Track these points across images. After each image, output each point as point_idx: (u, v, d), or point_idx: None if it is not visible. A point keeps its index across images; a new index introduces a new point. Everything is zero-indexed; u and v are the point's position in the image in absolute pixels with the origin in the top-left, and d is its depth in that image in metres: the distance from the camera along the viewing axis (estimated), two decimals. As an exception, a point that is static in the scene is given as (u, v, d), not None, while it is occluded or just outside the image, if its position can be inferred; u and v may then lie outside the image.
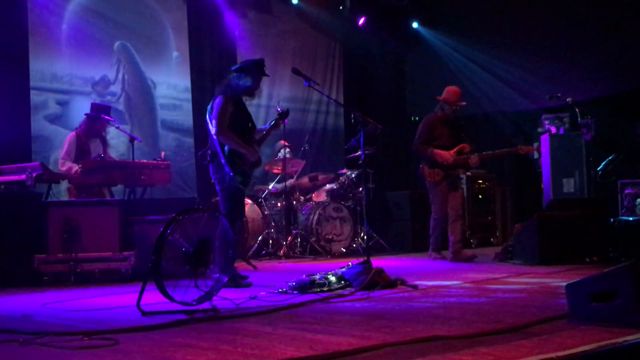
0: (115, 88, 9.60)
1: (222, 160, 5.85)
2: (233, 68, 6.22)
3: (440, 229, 8.20)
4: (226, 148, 5.85)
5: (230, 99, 5.95)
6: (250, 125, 6.14)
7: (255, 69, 6.09)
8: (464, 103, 8.31)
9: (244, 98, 6.18)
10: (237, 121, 5.96)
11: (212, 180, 6.15)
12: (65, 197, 7.85)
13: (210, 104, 6.05)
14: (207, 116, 6.02)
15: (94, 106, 7.98)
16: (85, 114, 7.84)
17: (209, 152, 6.01)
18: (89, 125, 7.78)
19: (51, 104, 8.91)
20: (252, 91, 6.15)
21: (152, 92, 10.07)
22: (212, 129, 5.88)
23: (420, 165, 8.23)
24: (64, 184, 7.87)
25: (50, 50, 8.96)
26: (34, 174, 6.85)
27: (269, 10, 11.68)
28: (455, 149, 8.07)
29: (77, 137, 7.71)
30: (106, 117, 7.77)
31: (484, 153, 8.21)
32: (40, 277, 6.38)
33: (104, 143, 7.94)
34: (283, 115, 6.60)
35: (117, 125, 7.88)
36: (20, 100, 8.55)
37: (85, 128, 7.80)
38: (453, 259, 7.98)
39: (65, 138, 7.87)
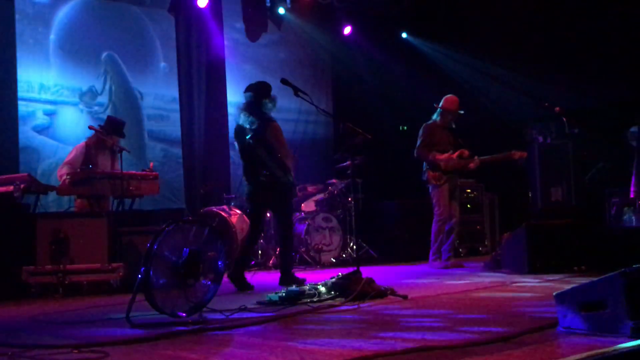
0: (103, 99, 9.58)
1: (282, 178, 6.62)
2: (259, 95, 6.74)
3: (443, 233, 8.24)
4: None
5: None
6: None
7: (270, 91, 6.80)
8: (463, 111, 8.49)
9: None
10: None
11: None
12: (54, 208, 7.81)
13: (257, 126, 6.58)
14: (250, 136, 6.57)
15: (108, 120, 7.97)
16: (96, 130, 7.76)
17: (265, 172, 6.63)
18: (99, 138, 7.72)
19: (39, 115, 8.88)
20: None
21: (139, 103, 10.05)
22: (279, 151, 6.62)
23: (424, 170, 8.32)
24: (53, 195, 7.82)
25: (38, 60, 8.94)
26: (22, 186, 6.81)
27: (257, 21, 11.67)
28: (456, 153, 8.22)
29: (86, 147, 7.65)
30: (108, 134, 7.70)
31: (482, 157, 8.38)
32: (28, 289, 6.34)
33: (114, 157, 7.84)
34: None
35: (119, 146, 7.73)
36: (8, 111, 8.51)
37: (96, 140, 7.74)
38: (446, 266, 8.08)
39: (75, 146, 7.81)
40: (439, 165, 8.21)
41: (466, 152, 8.30)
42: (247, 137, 6.60)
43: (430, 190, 8.38)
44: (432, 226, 8.33)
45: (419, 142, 8.35)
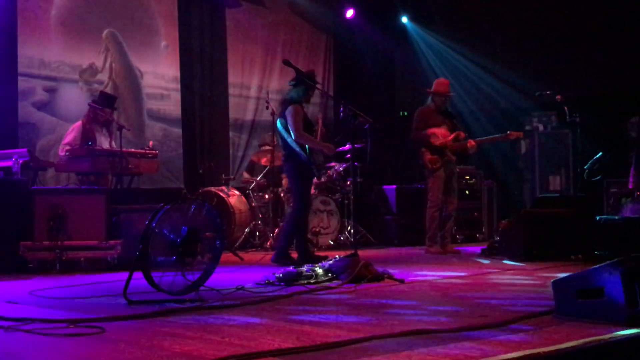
0: (103, 76, 9.53)
1: (302, 157, 6.89)
2: (290, 82, 7.19)
3: (439, 220, 8.24)
4: (307, 147, 6.91)
5: (300, 108, 7.01)
6: (311, 127, 7.29)
7: (308, 80, 7.02)
8: (453, 93, 8.66)
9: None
10: (306, 125, 7.02)
11: (288, 178, 7.47)
12: (52, 185, 7.79)
13: (282, 113, 7.09)
14: (280, 123, 7.09)
15: (101, 94, 7.95)
16: (88, 103, 7.76)
17: (284, 153, 7.16)
18: (94, 114, 7.69)
19: (39, 91, 8.83)
20: (308, 98, 7.20)
21: (139, 81, 10.01)
22: (292, 134, 6.89)
23: (422, 151, 8.29)
24: (51, 171, 7.82)
25: (39, 36, 8.88)
26: (21, 161, 6.81)
27: (260, 2, 11.63)
28: (452, 136, 8.22)
29: (83, 125, 7.62)
30: (100, 107, 7.68)
31: (478, 139, 8.45)
32: (25, 265, 6.33)
33: (110, 133, 7.82)
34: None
35: (119, 123, 7.71)
36: (8, 87, 8.48)
37: (90, 117, 7.71)
38: (443, 252, 8.13)
39: (73, 125, 7.78)
40: (434, 143, 8.18)
41: (462, 134, 8.34)
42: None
43: (426, 176, 8.36)
44: (426, 212, 8.33)
45: (413, 126, 8.38)
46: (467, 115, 11.81)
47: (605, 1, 10.35)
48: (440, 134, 8.24)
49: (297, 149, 6.92)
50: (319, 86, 6.78)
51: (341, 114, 6.90)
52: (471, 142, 8.26)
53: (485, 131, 11.43)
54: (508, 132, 8.39)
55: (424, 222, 8.40)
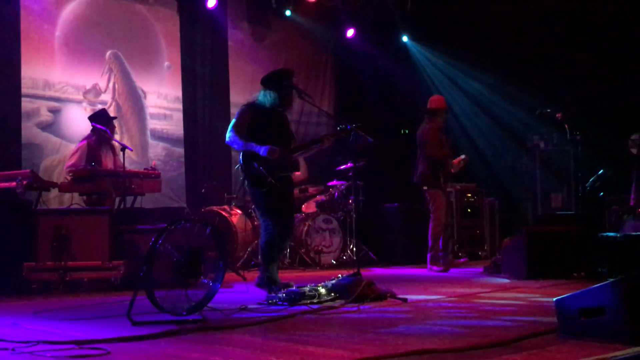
0: (106, 97, 9.61)
1: (253, 167, 5.83)
2: (261, 80, 6.18)
3: (441, 237, 8.31)
4: (241, 153, 5.90)
5: (250, 109, 6.01)
6: (280, 135, 6.06)
7: (280, 80, 6.08)
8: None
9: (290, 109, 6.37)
10: (262, 130, 5.92)
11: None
12: (55, 205, 7.82)
13: None
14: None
15: (101, 112, 8.00)
16: (92, 124, 7.78)
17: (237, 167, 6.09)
18: (97, 134, 7.73)
19: (43, 112, 8.91)
20: (280, 102, 6.08)
21: (142, 102, 10.08)
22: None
23: (422, 171, 8.33)
24: (54, 191, 7.84)
25: (43, 57, 8.97)
26: (25, 182, 6.82)
27: (262, 22, 11.71)
28: (457, 160, 8.56)
29: (88, 146, 7.61)
30: (98, 125, 7.71)
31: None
32: (29, 285, 6.34)
33: (114, 152, 7.84)
34: (338, 133, 6.33)
35: (108, 134, 7.77)
36: (11, 108, 8.54)
37: (97, 138, 7.74)
38: (445, 270, 8.18)
39: (76, 146, 7.81)
40: (447, 165, 8.27)
41: (467, 160, 8.70)
42: None
43: (428, 193, 8.37)
44: (431, 228, 8.33)
45: (434, 146, 8.33)
46: (468, 132, 11.85)
47: (606, 19, 10.41)
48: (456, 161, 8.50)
49: (245, 158, 5.90)
50: (309, 95, 6.21)
51: (351, 139, 6.17)
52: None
53: (486, 148, 11.49)
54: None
55: (426, 240, 8.41)
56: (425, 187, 8.36)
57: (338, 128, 6.32)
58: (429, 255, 8.35)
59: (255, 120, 5.95)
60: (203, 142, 10.67)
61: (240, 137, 5.88)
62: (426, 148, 8.34)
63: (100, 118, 7.84)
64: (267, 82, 6.09)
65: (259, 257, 6.30)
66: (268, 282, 5.89)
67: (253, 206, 7.96)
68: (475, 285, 6.64)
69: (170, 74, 10.41)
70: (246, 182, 6.03)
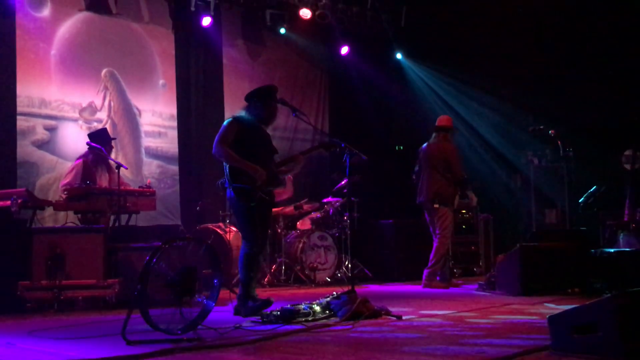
0: (102, 115, 9.62)
1: (226, 179, 5.84)
2: (245, 96, 6.24)
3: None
4: (227, 166, 5.85)
5: (236, 122, 6.00)
6: (265, 149, 6.11)
7: (265, 96, 6.13)
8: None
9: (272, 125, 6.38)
10: (247, 144, 5.92)
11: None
12: (50, 224, 7.81)
13: None
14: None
15: (97, 132, 8.02)
16: (87, 143, 7.79)
17: (222, 181, 6.04)
18: (94, 152, 7.74)
19: (39, 130, 8.92)
20: (265, 118, 6.13)
21: (137, 119, 10.09)
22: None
23: (437, 190, 8.38)
24: (49, 209, 7.84)
25: (39, 75, 8.99)
26: (19, 201, 6.82)
27: (256, 40, 11.77)
28: None
29: (84, 164, 7.61)
30: (93, 143, 7.72)
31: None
32: (23, 304, 6.34)
33: (110, 170, 7.82)
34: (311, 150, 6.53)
35: (103, 152, 7.77)
36: (6, 127, 8.55)
37: (93, 156, 7.73)
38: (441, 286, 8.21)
39: (72, 164, 7.80)
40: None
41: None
42: None
43: (440, 211, 8.37)
44: (436, 247, 8.31)
45: (459, 166, 8.45)
46: (462, 149, 11.89)
47: (598, 37, 10.49)
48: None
49: (233, 171, 5.84)
50: (296, 107, 6.17)
51: (337, 150, 6.57)
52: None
53: (480, 165, 11.53)
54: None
55: (421, 257, 8.41)
56: (436, 205, 8.35)
57: (317, 144, 6.38)
58: (425, 272, 8.34)
59: (240, 134, 5.94)
60: (198, 159, 10.67)
61: (231, 150, 5.84)
62: (451, 166, 8.38)
63: (99, 137, 7.85)
64: (251, 98, 6.14)
65: (238, 271, 6.21)
66: (244, 299, 5.84)
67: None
68: (470, 302, 6.64)
69: (165, 92, 10.44)
70: (230, 195, 5.93)
